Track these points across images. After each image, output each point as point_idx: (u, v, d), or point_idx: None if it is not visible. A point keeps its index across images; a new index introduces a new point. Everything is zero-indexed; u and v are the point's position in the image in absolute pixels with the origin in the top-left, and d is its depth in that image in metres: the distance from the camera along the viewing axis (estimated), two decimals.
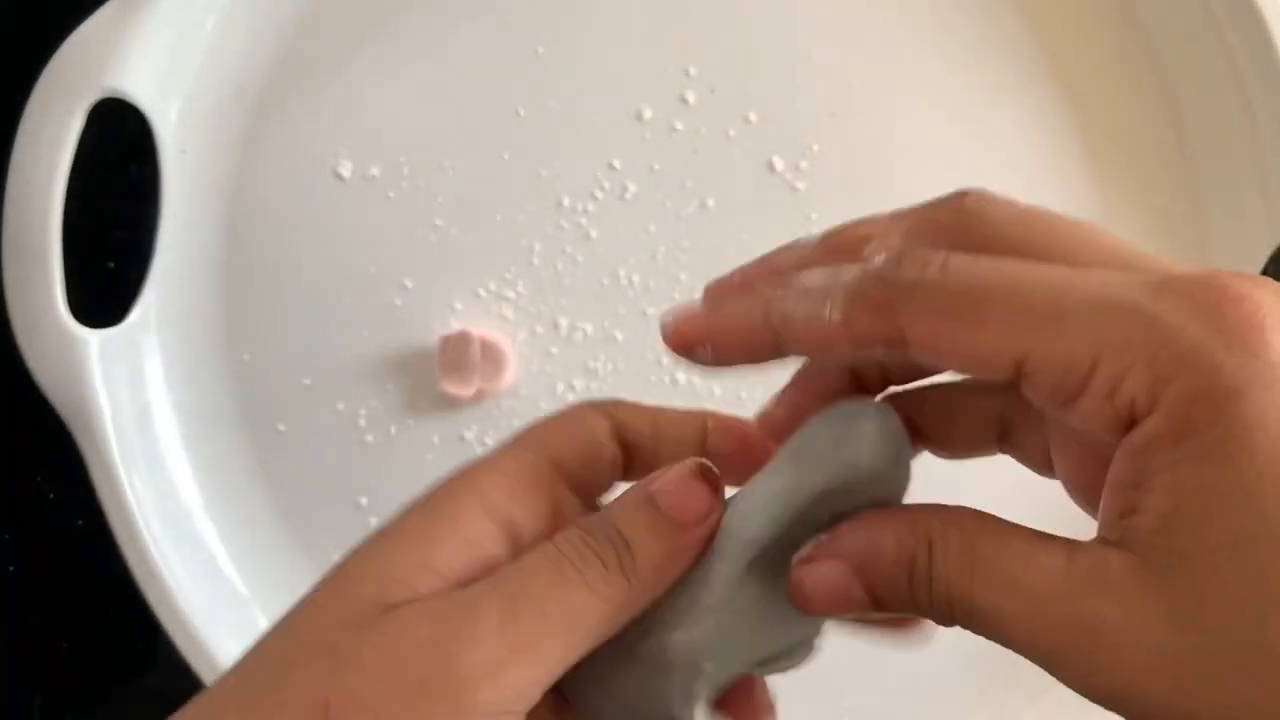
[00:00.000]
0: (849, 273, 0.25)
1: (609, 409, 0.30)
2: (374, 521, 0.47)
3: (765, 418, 0.29)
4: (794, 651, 0.28)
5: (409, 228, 0.48)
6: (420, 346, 0.48)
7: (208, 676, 0.45)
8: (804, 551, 0.26)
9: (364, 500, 0.48)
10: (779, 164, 0.47)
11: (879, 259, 0.25)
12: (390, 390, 0.48)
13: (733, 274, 0.28)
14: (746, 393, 0.48)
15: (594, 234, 0.48)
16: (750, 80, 0.47)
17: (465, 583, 0.25)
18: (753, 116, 0.47)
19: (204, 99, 0.47)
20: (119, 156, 0.47)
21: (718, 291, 0.27)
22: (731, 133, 0.47)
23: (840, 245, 0.27)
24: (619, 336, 0.48)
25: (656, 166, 0.48)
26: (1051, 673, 0.23)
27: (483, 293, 0.48)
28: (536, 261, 0.48)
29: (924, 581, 0.24)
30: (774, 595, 0.27)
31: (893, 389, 0.29)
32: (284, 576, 0.48)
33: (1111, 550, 0.23)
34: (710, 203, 0.48)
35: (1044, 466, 0.28)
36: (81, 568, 0.50)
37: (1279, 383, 0.21)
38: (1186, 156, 0.47)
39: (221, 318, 0.49)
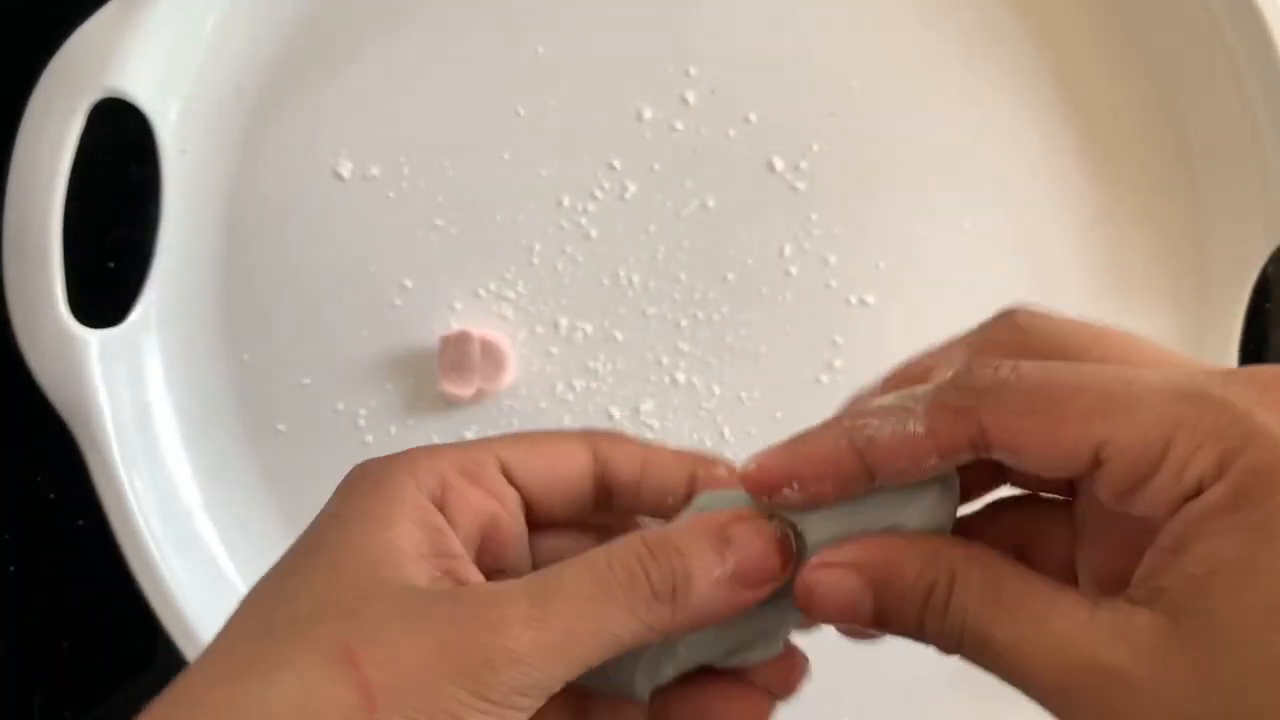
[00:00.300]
0: (924, 389, 0.26)
1: (599, 443, 0.30)
2: None
3: (746, 475, 0.28)
4: (756, 646, 0.29)
5: (409, 228, 0.48)
6: (420, 346, 0.48)
7: None
8: (821, 557, 0.27)
9: None
10: (779, 164, 0.47)
11: (950, 373, 0.26)
12: (390, 390, 0.48)
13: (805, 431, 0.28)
14: (746, 393, 0.48)
15: (594, 234, 0.48)
16: (750, 80, 0.47)
17: (433, 563, 0.26)
18: (753, 116, 0.47)
19: (204, 99, 0.47)
20: (119, 156, 0.47)
21: (794, 437, 0.28)
22: (731, 133, 0.47)
23: (906, 377, 0.28)
24: (619, 336, 0.48)
25: (656, 166, 0.48)
26: (1058, 714, 0.24)
27: (483, 293, 0.48)
28: (536, 261, 0.48)
29: (939, 609, 0.25)
30: None
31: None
32: None
33: (1138, 608, 0.23)
34: (710, 203, 0.48)
35: (1055, 574, 0.28)
36: (81, 568, 0.50)
37: None
38: (1186, 156, 0.47)
39: (221, 318, 0.49)
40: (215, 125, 0.47)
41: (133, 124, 0.45)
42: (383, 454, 0.28)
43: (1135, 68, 0.47)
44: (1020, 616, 0.24)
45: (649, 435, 0.48)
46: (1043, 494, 0.29)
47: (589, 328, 0.48)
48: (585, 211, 0.48)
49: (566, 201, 0.48)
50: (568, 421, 0.48)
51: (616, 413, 0.48)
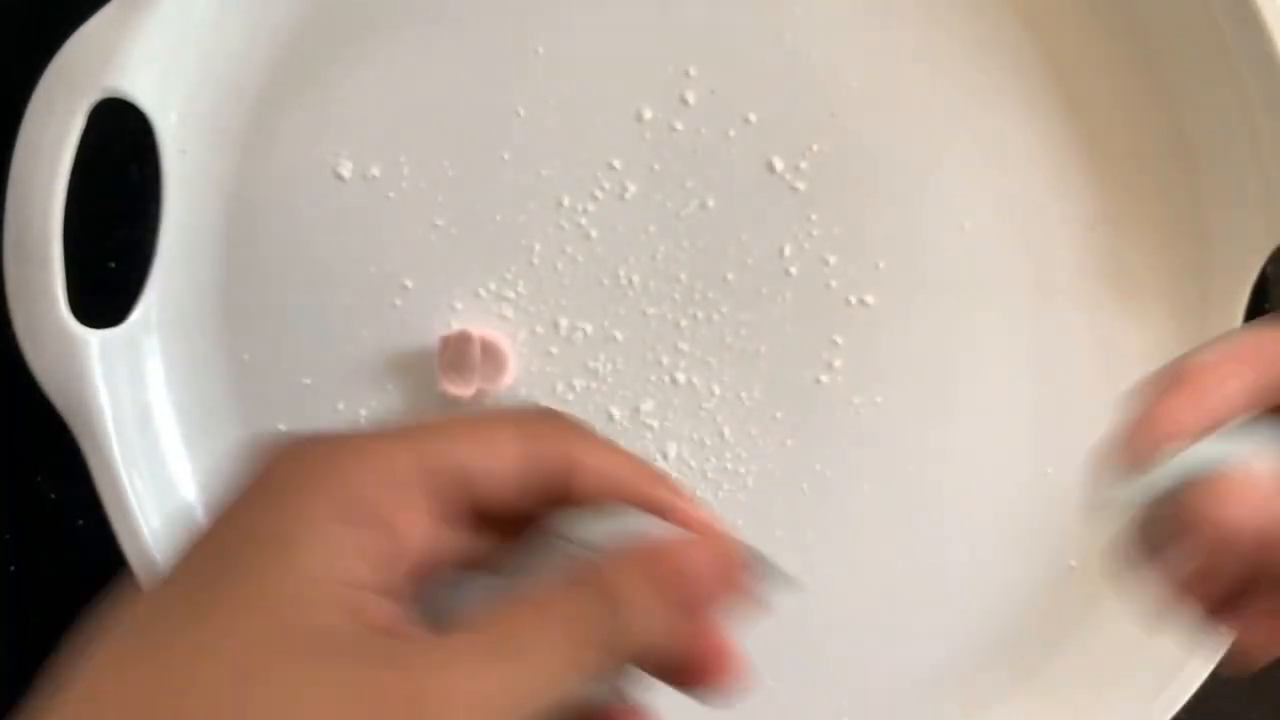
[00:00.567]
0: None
1: (572, 451, 0.26)
2: None
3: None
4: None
5: (409, 228, 0.48)
6: (420, 346, 0.48)
7: None
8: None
9: None
10: (779, 164, 0.47)
11: None
12: (390, 390, 0.48)
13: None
14: (746, 393, 0.48)
15: (594, 234, 0.48)
16: (750, 80, 0.47)
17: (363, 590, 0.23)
18: (753, 116, 0.47)
19: (204, 99, 0.47)
20: (119, 156, 0.48)
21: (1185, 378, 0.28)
22: (731, 133, 0.47)
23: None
24: (619, 336, 0.48)
25: (656, 166, 0.48)
26: None
27: (483, 293, 0.48)
28: (536, 261, 0.48)
29: None
30: None
31: None
32: None
33: None
34: (710, 203, 0.48)
35: (1253, 632, 0.28)
36: (81, 568, 0.50)
37: None
38: (1186, 156, 0.47)
39: (221, 318, 0.49)
40: (215, 125, 0.47)
41: (133, 124, 0.45)
42: None
43: (1135, 68, 0.47)
44: None
45: (649, 435, 0.48)
46: None
47: (589, 328, 0.48)
48: (585, 212, 0.48)
49: (566, 201, 0.48)
50: None
51: (616, 413, 0.48)
